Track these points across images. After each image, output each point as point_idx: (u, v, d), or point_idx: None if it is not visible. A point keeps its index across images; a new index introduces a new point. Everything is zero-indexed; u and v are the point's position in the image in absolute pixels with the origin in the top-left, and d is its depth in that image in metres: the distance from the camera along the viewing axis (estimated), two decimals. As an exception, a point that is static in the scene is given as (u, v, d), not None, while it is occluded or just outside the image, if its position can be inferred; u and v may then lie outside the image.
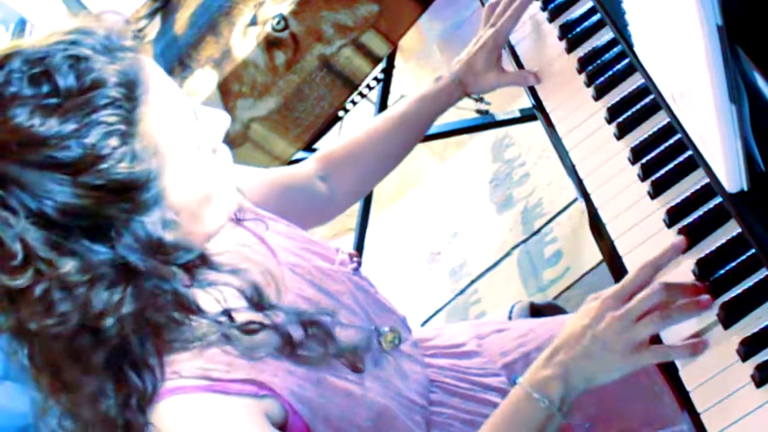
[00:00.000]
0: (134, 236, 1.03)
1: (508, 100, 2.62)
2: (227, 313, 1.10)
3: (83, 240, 1.01)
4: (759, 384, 1.05)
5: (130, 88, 1.02)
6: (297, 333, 1.15)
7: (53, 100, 0.99)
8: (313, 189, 1.48)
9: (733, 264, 1.14)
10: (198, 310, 1.09)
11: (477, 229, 2.72)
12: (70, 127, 0.99)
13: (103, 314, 1.04)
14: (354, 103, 2.29)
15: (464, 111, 2.47)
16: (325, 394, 1.16)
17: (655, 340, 1.15)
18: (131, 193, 1.02)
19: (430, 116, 1.52)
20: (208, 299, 1.10)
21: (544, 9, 1.55)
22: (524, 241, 2.57)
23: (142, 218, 1.03)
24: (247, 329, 1.11)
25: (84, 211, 1.01)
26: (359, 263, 1.36)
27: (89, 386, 1.07)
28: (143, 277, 1.05)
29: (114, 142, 1.00)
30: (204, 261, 1.10)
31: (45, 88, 0.99)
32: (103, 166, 1.00)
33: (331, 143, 1.55)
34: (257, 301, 1.13)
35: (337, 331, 1.21)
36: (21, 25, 2.39)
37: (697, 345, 1.12)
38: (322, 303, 1.24)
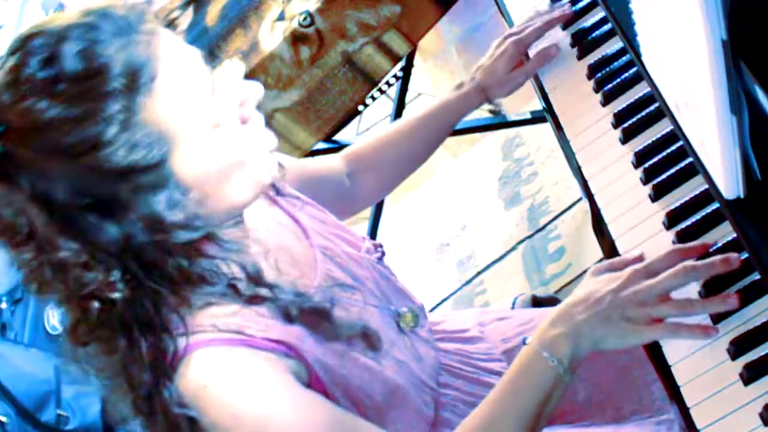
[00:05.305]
0: (139, 215, 1.04)
1: (520, 102, 2.63)
2: (232, 285, 1.11)
3: (91, 217, 1.03)
4: (747, 382, 1.07)
5: (135, 77, 1.01)
6: (295, 311, 1.15)
7: (60, 86, 1.00)
8: (341, 184, 1.51)
9: (727, 267, 1.14)
10: (203, 283, 1.09)
11: (485, 223, 2.72)
12: (72, 113, 1.00)
13: (97, 292, 1.06)
14: (373, 98, 2.32)
15: (477, 110, 2.51)
16: (346, 365, 1.19)
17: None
18: (133, 177, 1.03)
19: (451, 121, 1.54)
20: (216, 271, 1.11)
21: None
22: (529, 237, 2.58)
23: (148, 198, 1.04)
24: (252, 301, 1.13)
25: (87, 191, 1.02)
26: (383, 253, 1.38)
27: (118, 349, 1.09)
28: (146, 254, 1.06)
29: (113, 130, 1.01)
30: (210, 238, 1.10)
31: (53, 72, 1.00)
32: (103, 152, 1.01)
33: (356, 142, 1.57)
34: (257, 279, 1.13)
35: (358, 311, 1.25)
36: (60, 10, 2.40)
37: (707, 329, 1.10)
38: (348, 284, 1.26)
